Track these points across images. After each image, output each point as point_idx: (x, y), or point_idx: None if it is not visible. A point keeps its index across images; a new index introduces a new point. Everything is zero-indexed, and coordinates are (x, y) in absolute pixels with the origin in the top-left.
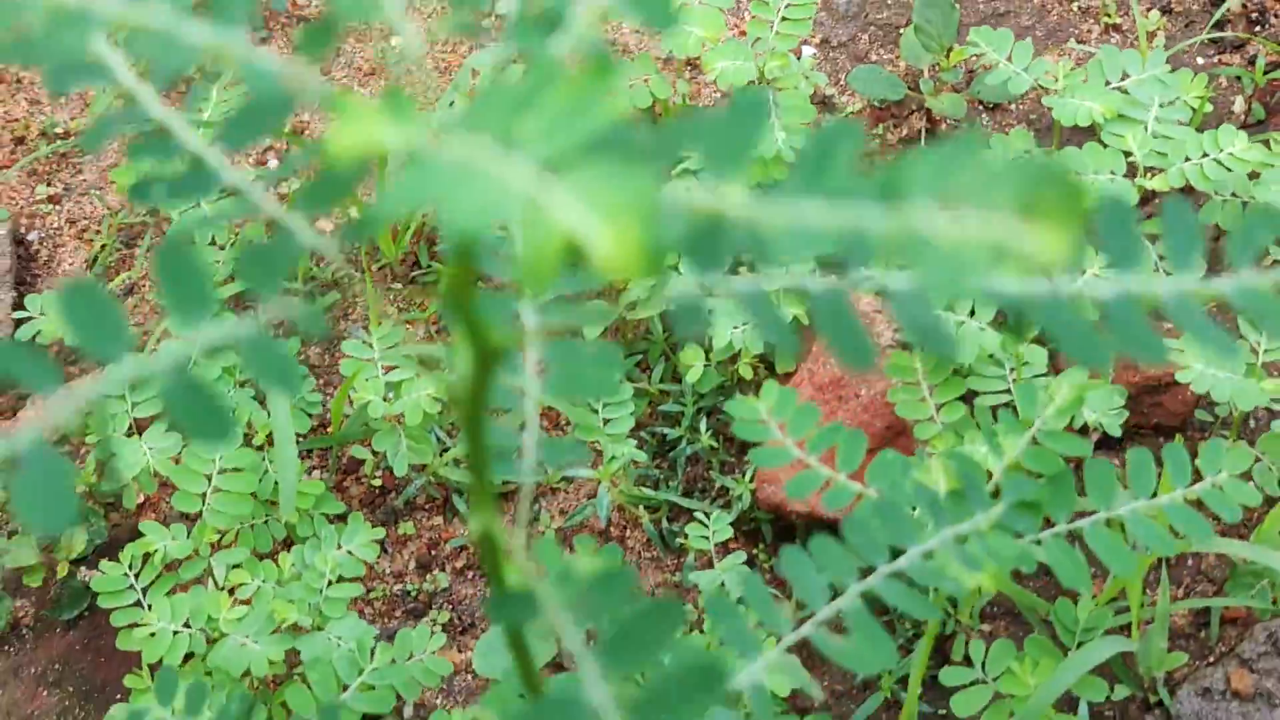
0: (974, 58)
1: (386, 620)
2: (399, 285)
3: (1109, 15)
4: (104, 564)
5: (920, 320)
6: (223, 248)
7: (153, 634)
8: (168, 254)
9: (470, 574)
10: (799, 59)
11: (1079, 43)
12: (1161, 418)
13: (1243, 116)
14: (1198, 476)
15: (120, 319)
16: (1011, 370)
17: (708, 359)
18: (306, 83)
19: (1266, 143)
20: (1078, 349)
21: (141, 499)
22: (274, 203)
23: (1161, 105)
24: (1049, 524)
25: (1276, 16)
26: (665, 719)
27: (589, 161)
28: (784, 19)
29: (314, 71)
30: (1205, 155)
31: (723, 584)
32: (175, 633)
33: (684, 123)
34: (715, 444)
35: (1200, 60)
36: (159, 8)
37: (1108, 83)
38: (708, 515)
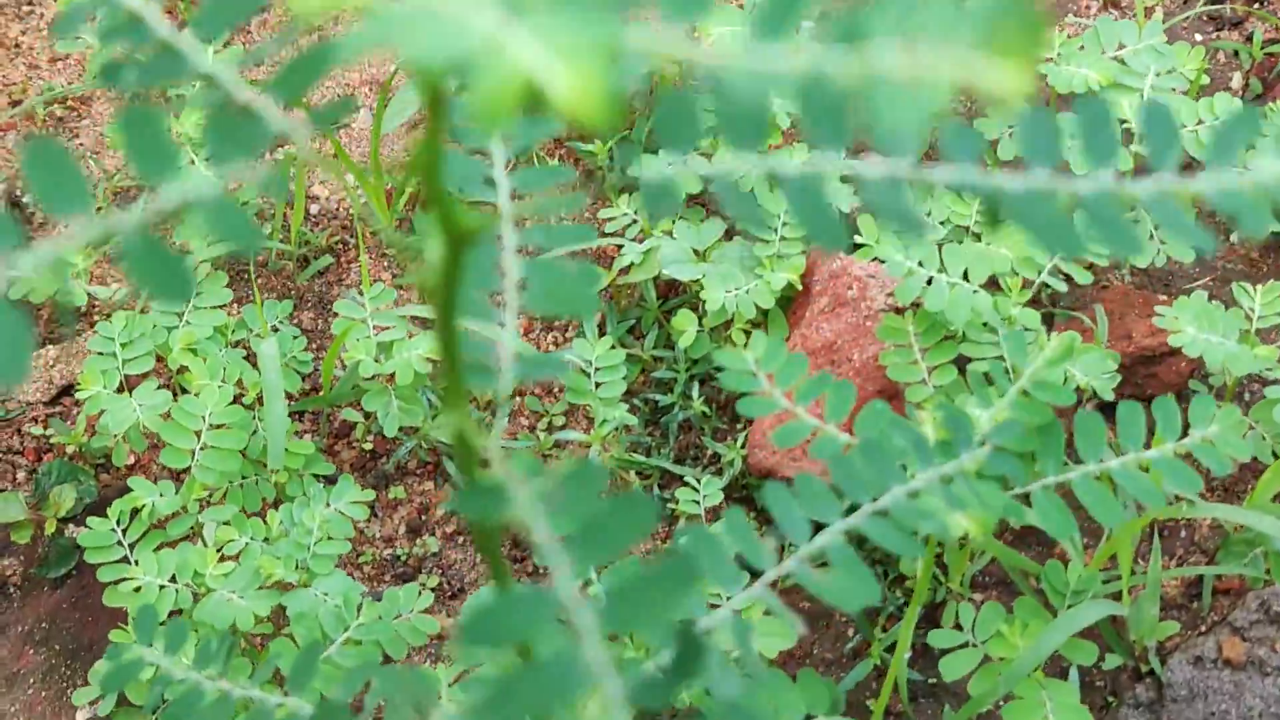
0: None
1: (375, 584)
2: (393, 252)
3: None
4: (91, 520)
5: (892, 205)
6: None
7: (138, 588)
8: (131, 116)
9: (461, 539)
10: None
11: (1076, 16)
12: (1155, 389)
13: (1240, 91)
14: (1188, 434)
15: (80, 177)
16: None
17: (700, 324)
18: None
19: (1264, 115)
20: (1052, 239)
21: (132, 460)
22: (245, 88)
23: (1158, 74)
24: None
25: None
26: (636, 614)
27: (551, 4)
28: None
29: None
30: (1201, 123)
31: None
32: (161, 587)
33: None
34: (708, 410)
35: (1198, 36)
36: None
37: (1104, 52)
38: (699, 481)
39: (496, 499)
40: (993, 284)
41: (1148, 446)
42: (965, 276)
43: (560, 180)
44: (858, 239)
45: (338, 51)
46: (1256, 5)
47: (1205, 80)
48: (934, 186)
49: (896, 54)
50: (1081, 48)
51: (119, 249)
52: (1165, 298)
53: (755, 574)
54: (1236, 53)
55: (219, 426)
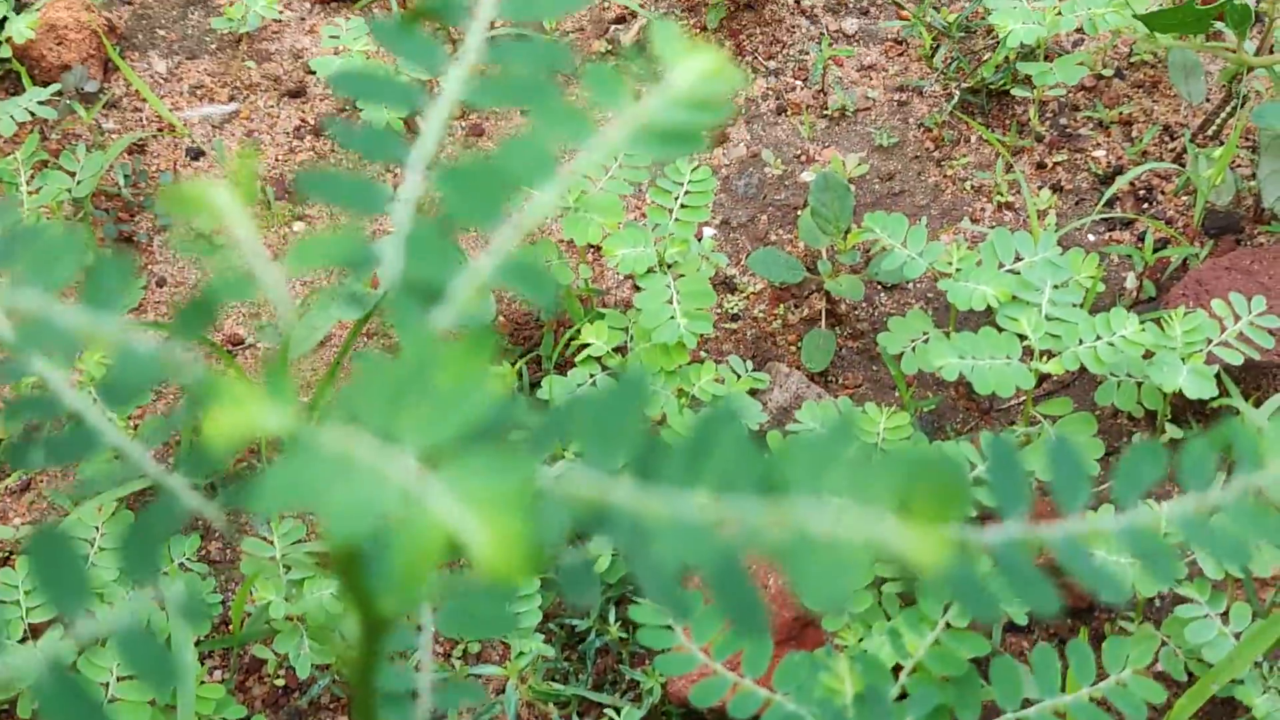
0: (871, 240)
1: None
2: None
3: (1001, 194)
4: None
5: (824, 591)
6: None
7: None
8: (40, 544)
9: None
10: (700, 240)
11: (973, 221)
12: (1069, 599)
13: (1134, 293)
14: (1102, 674)
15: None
16: None
17: (615, 549)
18: (182, 364)
19: (1159, 321)
20: (970, 602)
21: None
22: (155, 465)
23: (1054, 287)
24: None
25: (1163, 194)
26: None
27: (468, 453)
28: (683, 205)
29: (189, 352)
30: (1098, 338)
31: None
32: None
33: (566, 407)
34: (625, 634)
35: (1091, 238)
36: (31, 292)
37: (1001, 265)
38: (618, 711)
39: None
40: None
41: (1063, 690)
42: None
43: None
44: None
45: (257, 512)
46: (1146, 207)
47: (1101, 287)
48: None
49: (815, 511)
50: (979, 262)
51: (31, 690)
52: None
53: None
54: (1129, 255)
55: (127, 678)
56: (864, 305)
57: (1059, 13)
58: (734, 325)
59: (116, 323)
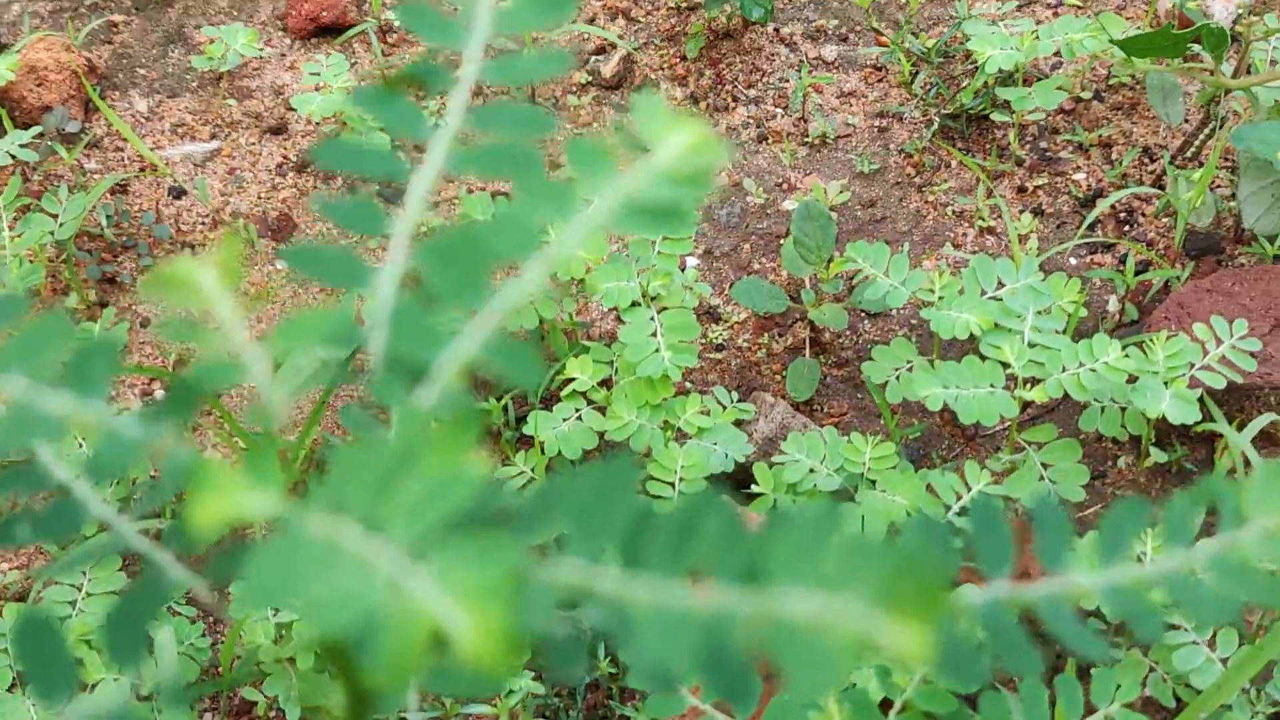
0: (854, 269)
1: None
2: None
3: (983, 219)
4: None
5: (809, 682)
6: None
7: None
8: (25, 632)
9: None
10: (683, 271)
11: (955, 247)
12: None
13: (1117, 316)
14: (1091, 708)
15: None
16: None
17: None
18: (168, 450)
19: (1142, 345)
20: (956, 673)
21: None
22: (142, 539)
23: (1037, 314)
24: None
25: (1144, 217)
26: None
27: (452, 542)
28: (665, 237)
29: (177, 436)
30: (1081, 365)
31: None
32: None
33: (551, 490)
34: (615, 670)
35: (1073, 261)
36: (16, 379)
37: (983, 292)
38: None
39: None
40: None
41: None
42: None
43: None
44: (755, 488)
45: (242, 606)
46: (1127, 229)
47: (1083, 312)
48: None
49: (801, 601)
50: (961, 290)
51: None
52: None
53: None
54: (1111, 279)
55: None
56: (848, 333)
57: (1036, 37)
58: (719, 355)
59: (101, 407)
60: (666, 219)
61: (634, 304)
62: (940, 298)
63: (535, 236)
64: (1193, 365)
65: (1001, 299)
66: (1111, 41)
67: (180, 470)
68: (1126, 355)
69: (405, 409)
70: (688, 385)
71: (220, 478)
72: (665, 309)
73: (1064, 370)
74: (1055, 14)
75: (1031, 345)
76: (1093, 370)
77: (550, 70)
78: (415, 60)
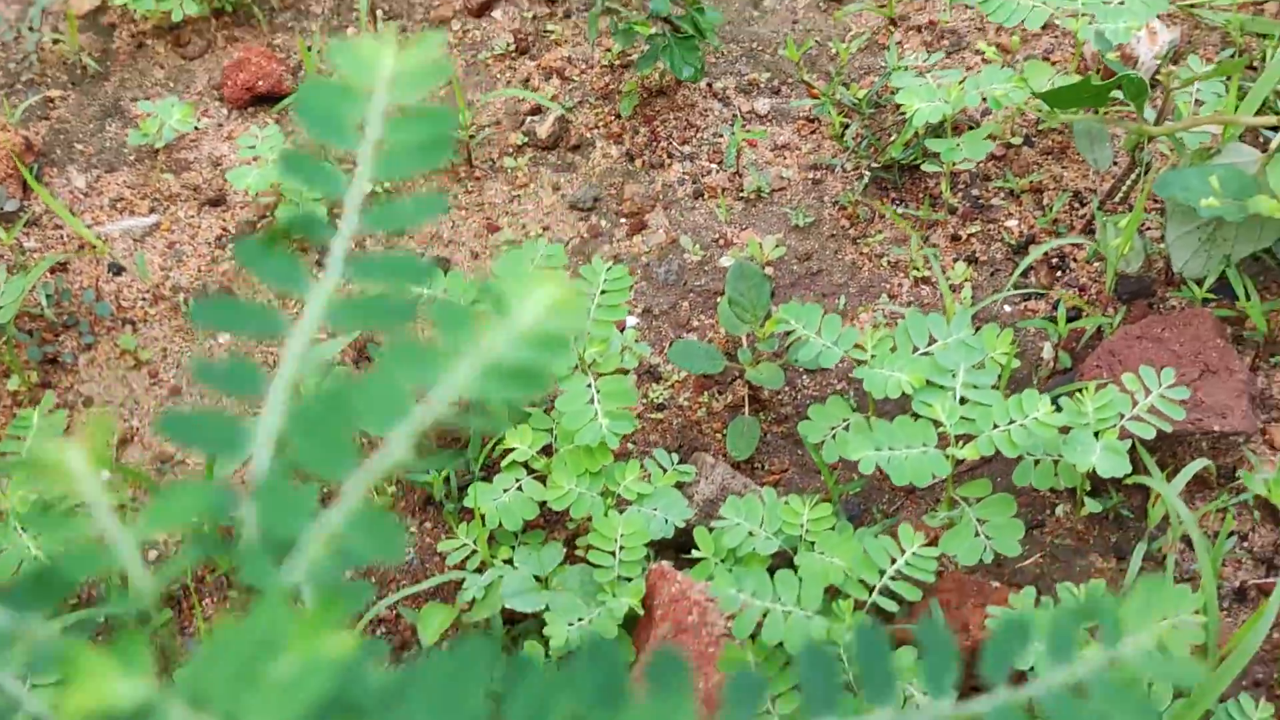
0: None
1: None
2: (236, 592)
3: (918, 269)
4: None
5: None
6: None
7: None
8: None
9: None
10: (622, 331)
11: (890, 297)
12: None
13: (1052, 363)
14: None
15: None
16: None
17: (548, 653)
18: (36, 641)
19: (1075, 393)
20: None
21: None
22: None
23: (969, 369)
24: None
25: (1076, 262)
26: None
27: None
28: (599, 305)
29: (42, 626)
30: (1012, 421)
31: None
32: None
33: (407, 679)
34: None
35: (1008, 309)
36: None
37: (916, 348)
38: None
39: None
40: (832, 589)
41: None
42: (799, 601)
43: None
44: (695, 553)
45: None
46: (1060, 275)
47: (1016, 362)
48: None
49: None
50: (893, 348)
51: None
52: (998, 583)
53: None
54: (1045, 327)
55: None
56: (787, 389)
57: (963, 89)
58: (660, 415)
59: None
60: (526, 383)
61: (572, 370)
62: (873, 355)
63: (402, 404)
64: (1123, 416)
65: (933, 354)
66: (1034, 95)
67: (50, 659)
68: (1056, 410)
69: (271, 587)
70: (630, 446)
71: (91, 666)
72: (602, 375)
73: (995, 427)
74: (984, 60)
75: (963, 401)
76: (1023, 426)
77: (430, 214)
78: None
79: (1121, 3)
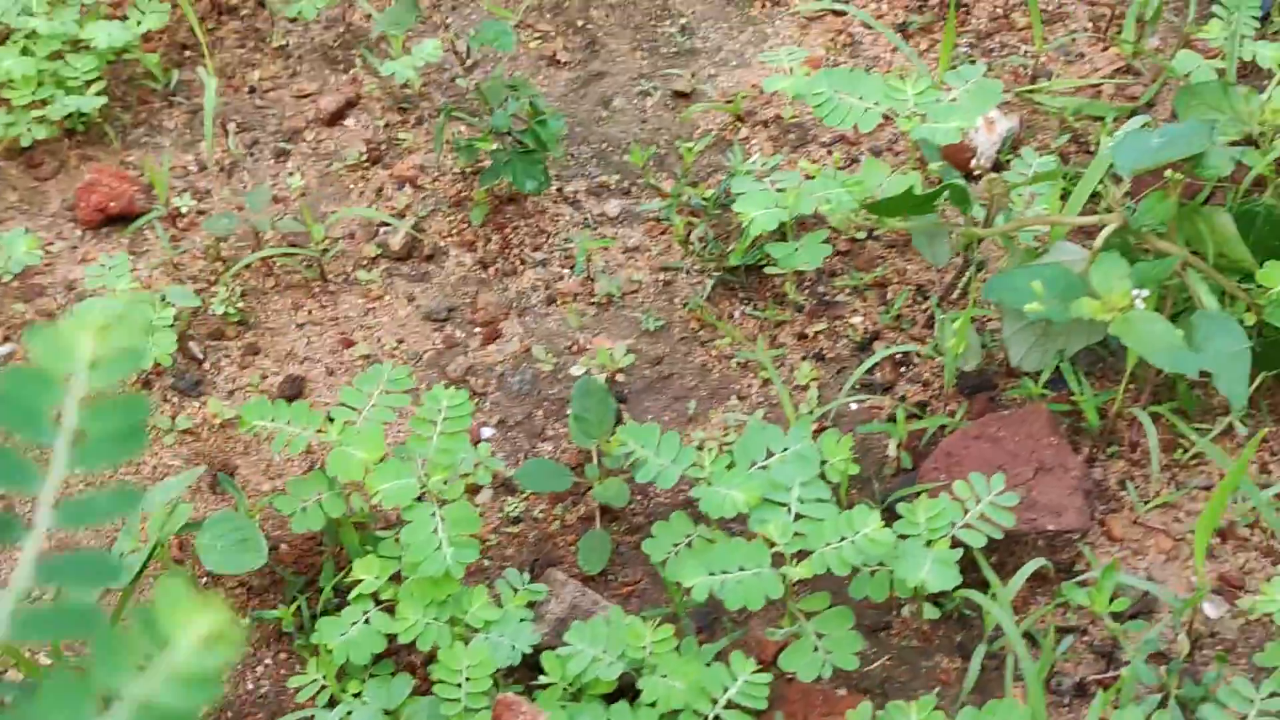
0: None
1: None
2: None
3: (766, 370)
4: None
5: None
6: None
7: None
8: None
9: None
10: (477, 445)
11: (740, 399)
12: None
13: (895, 462)
14: None
15: None
16: None
17: None
18: None
19: (912, 497)
20: None
21: None
22: None
23: (803, 484)
24: None
25: (919, 357)
26: None
27: None
28: (442, 433)
29: None
30: (843, 539)
31: None
32: None
33: None
34: None
35: (854, 406)
36: None
37: (753, 463)
38: None
39: None
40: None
41: None
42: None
43: None
44: (544, 678)
45: None
46: (903, 370)
47: (855, 469)
48: None
49: None
50: (730, 465)
51: None
52: (845, 691)
53: None
54: (886, 429)
55: None
56: (639, 499)
57: (800, 194)
58: (515, 529)
59: None
60: None
61: (417, 499)
62: (711, 473)
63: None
64: (954, 525)
65: (770, 469)
66: (862, 205)
67: None
68: (885, 527)
69: None
70: (486, 562)
71: None
72: (446, 502)
73: (828, 545)
74: (829, 152)
75: (798, 517)
76: (853, 543)
77: (124, 509)
78: None
79: (954, 100)
